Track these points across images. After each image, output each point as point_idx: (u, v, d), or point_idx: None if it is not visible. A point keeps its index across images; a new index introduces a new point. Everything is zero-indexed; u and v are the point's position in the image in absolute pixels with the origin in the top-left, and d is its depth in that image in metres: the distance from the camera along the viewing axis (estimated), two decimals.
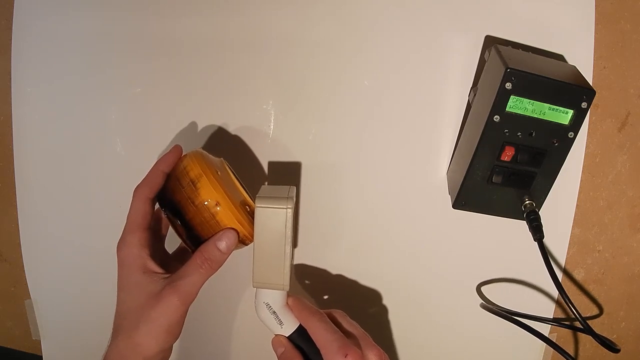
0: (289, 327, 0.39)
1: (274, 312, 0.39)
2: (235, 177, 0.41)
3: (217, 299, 0.52)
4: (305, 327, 0.38)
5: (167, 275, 0.37)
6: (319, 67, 0.47)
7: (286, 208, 0.36)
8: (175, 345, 0.38)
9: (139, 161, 0.49)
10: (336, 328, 0.38)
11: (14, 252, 0.52)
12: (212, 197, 0.36)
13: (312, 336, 0.38)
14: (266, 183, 0.49)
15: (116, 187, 0.50)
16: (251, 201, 0.39)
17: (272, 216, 0.36)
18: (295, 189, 0.40)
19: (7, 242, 0.53)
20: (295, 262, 0.51)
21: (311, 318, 0.38)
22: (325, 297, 0.52)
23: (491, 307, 0.49)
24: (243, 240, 0.38)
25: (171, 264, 0.40)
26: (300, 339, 0.39)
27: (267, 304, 0.39)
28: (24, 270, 0.52)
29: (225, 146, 0.49)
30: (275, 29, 0.46)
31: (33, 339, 0.55)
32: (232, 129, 0.48)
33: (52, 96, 0.48)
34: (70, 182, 0.50)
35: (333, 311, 0.41)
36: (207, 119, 0.48)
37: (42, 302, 0.53)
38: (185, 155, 0.39)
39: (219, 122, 0.48)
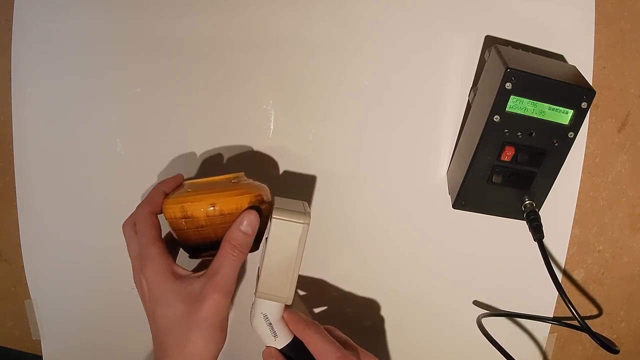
0: (282, 340, 0.39)
1: (270, 324, 0.38)
2: (197, 176, 0.41)
3: None
4: (302, 339, 0.38)
5: (198, 274, 0.36)
6: (319, 67, 0.47)
7: (304, 223, 0.36)
8: None
9: (139, 161, 0.49)
10: (333, 339, 0.38)
11: (14, 252, 0.52)
12: (204, 209, 0.36)
13: (309, 347, 0.37)
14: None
15: (116, 187, 0.50)
16: (231, 175, 0.39)
17: (288, 229, 0.36)
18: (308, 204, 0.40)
19: (7, 242, 0.53)
20: None
21: (307, 330, 0.38)
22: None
23: (489, 312, 0.48)
24: (263, 201, 0.38)
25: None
26: (292, 353, 0.39)
27: (265, 315, 0.38)
28: (24, 270, 0.52)
29: (225, 146, 0.49)
30: (275, 29, 0.46)
31: (33, 339, 0.55)
32: (232, 129, 0.48)
33: (52, 96, 0.48)
34: (70, 182, 0.50)
35: (326, 327, 0.41)
36: (207, 119, 0.48)
37: (42, 302, 0.53)
38: (163, 208, 0.39)
39: (219, 122, 0.48)
